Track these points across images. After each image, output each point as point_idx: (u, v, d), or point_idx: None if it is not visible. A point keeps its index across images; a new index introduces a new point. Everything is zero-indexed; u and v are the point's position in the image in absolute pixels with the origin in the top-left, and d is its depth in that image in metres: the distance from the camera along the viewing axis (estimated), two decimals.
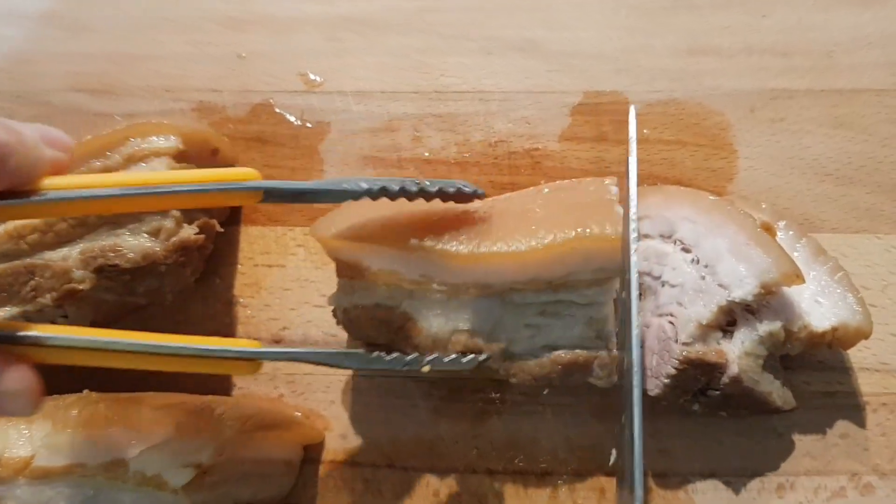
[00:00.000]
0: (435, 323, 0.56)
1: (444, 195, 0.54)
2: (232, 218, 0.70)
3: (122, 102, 0.73)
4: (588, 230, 0.53)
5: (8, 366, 0.45)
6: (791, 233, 0.63)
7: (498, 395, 0.65)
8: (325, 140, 0.72)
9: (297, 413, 0.65)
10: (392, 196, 0.53)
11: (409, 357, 0.53)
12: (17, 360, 0.46)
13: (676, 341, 0.59)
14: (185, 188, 0.48)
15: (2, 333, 0.46)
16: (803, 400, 0.61)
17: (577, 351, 0.57)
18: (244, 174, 0.50)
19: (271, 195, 0.50)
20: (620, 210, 0.57)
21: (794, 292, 0.59)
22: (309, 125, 0.72)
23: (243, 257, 0.70)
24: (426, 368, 0.53)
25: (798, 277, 0.57)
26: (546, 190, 0.63)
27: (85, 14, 0.77)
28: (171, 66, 0.74)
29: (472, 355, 0.55)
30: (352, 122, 0.72)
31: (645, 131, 0.70)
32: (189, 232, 0.61)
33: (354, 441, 0.64)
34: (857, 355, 0.63)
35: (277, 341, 0.67)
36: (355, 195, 0.52)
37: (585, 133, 0.70)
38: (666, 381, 0.59)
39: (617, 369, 0.57)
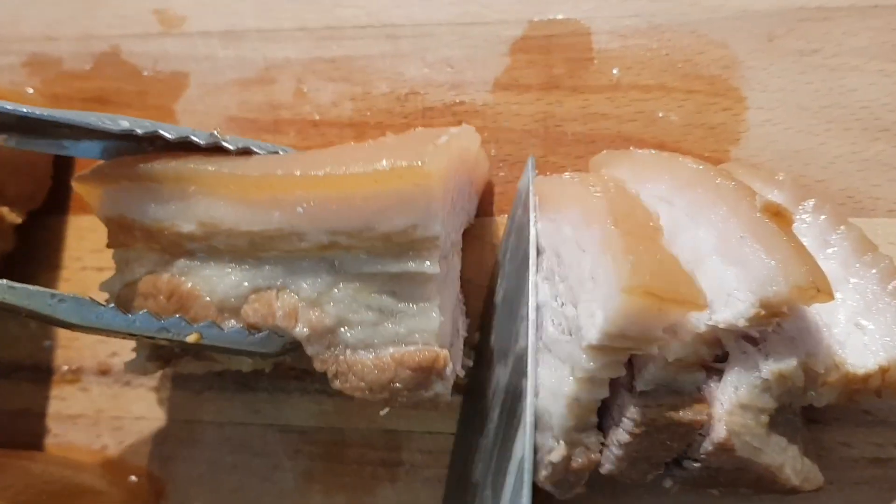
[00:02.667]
0: (220, 286, 0.45)
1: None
2: (55, 204, 0.58)
3: None
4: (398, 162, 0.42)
5: None
6: (822, 218, 0.46)
7: (393, 453, 0.49)
8: (181, 97, 0.59)
9: (131, 476, 0.53)
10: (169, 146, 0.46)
11: (167, 321, 0.43)
12: None
13: (631, 390, 0.40)
14: None
15: None
16: (838, 471, 0.47)
17: (435, 349, 0.42)
18: None
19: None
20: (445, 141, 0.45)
21: (821, 313, 0.42)
22: (162, 77, 0.58)
23: (68, 257, 0.58)
24: (193, 337, 0.44)
25: (821, 292, 0.38)
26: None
27: None
28: None
29: (266, 333, 0.45)
30: (217, 72, 0.59)
31: (614, 72, 0.53)
32: None
33: None
34: None
35: (104, 372, 0.54)
36: (109, 134, 0.45)
37: (529, 79, 0.55)
38: (618, 452, 0.41)
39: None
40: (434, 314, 0.42)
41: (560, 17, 0.54)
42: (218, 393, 0.54)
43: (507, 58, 0.54)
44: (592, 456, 0.41)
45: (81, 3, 0.61)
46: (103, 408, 0.54)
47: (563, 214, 0.44)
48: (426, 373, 0.41)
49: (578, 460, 0.41)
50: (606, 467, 0.42)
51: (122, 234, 0.47)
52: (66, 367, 0.56)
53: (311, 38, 0.57)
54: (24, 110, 0.43)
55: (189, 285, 0.45)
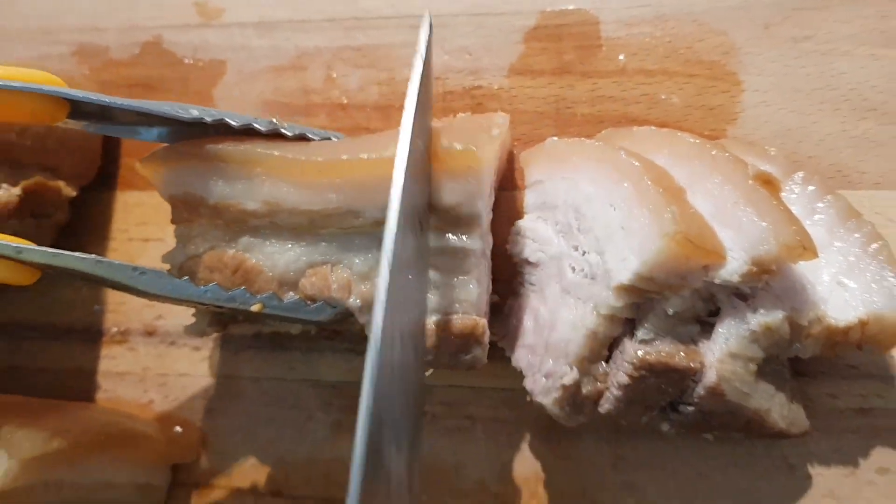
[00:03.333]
0: (281, 261, 0.49)
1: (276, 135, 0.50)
2: (104, 181, 0.62)
3: None
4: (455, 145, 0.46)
5: None
6: (811, 188, 0.49)
7: None
8: (219, 83, 0.62)
9: (176, 427, 0.57)
10: (232, 132, 0.49)
11: (233, 292, 0.47)
12: None
13: (633, 337, 0.44)
14: None
15: None
16: (824, 419, 0.50)
17: (474, 317, 0.46)
18: (48, 77, 0.48)
19: (79, 108, 0.47)
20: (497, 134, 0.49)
21: (806, 271, 0.45)
22: (202, 65, 0.62)
23: (116, 229, 0.62)
24: (257, 307, 0.47)
25: (807, 250, 0.42)
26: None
27: None
28: (48, 5, 0.66)
29: (320, 303, 0.48)
30: (252, 60, 0.62)
31: (621, 58, 0.56)
32: (10, 193, 0.50)
33: (235, 461, 0.57)
34: None
35: (150, 333, 0.58)
36: (178, 121, 0.48)
37: (542, 65, 0.58)
38: (617, 393, 0.45)
39: None
40: (472, 286, 0.46)
41: (571, 7, 0.58)
42: (255, 352, 0.57)
43: (521, 45, 0.58)
44: (599, 385, 0.45)
45: None
46: (149, 366, 0.58)
47: (582, 174, 0.47)
48: (466, 339, 0.45)
49: (587, 388, 0.45)
50: (606, 407, 0.46)
51: (187, 211, 0.50)
52: (114, 329, 0.59)
53: (338, 29, 0.61)
54: (107, 100, 0.47)
55: (253, 261, 0.49)
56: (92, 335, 0.60)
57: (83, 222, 0.60)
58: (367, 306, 0.47)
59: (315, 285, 0.48)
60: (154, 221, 0.59)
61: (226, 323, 0.51)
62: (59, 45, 0.65)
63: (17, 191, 0.50)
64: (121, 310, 0.59)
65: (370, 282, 0.47)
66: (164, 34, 0.63)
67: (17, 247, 0.45)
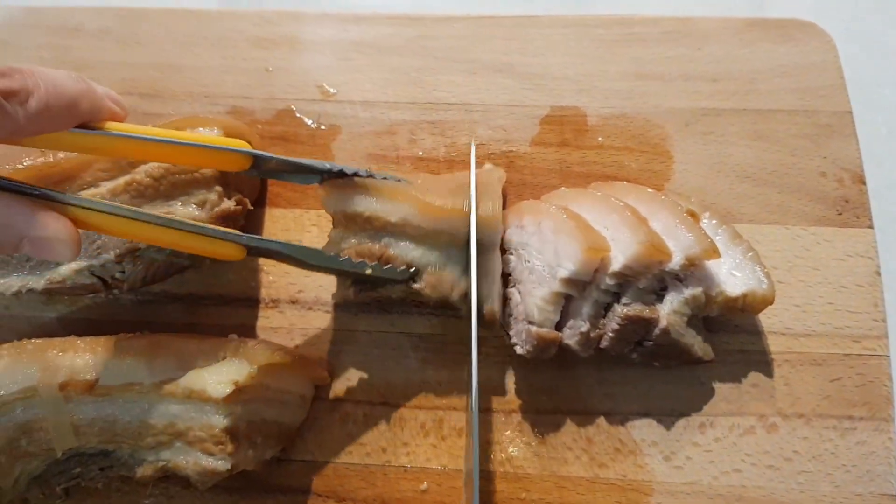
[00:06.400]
0: (410, 255, 0.70)
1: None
2: (259, 200, 0.81)
3: (167, 105, 0.86)
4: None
5: (51, 217, 0.57)
6: (714, 221, 0.76)
7: None
8: (336, 140, 0.84)
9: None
10: (343, 176, 0.70)
11: (358, 261, 0.68)
12: (61, 217, 0.58)
13: (619, 303, 0.72)
14: (197, 144, 0.64)
15: (44, 192, 0.59)
16: (722, 356, 0.73)
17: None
18: (239, 142, 0.66)
19: (258, 162, 0.66)
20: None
21: (713, 265, 0.71)
22: (323, 128, 0.84)
23: (267, 233, 0.81)
24: (369, 271, 0.68)
25: (715, 252, 0.70)
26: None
27: (136, 30, 0.91)
28: (208, 76, 0.87)
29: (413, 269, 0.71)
30: (359, 126, 0.84)
31: (600, 139, 0.84)
32: (229, 205, 0.74)
33: (355, 383, 0.75)
34: (766, 321, 0.75)
35: (294, 301, 0.80)
36: (321, 171, 0.69)
37: (551, 139, 0.83)
38: (611, 334, 0.72)
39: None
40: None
41: (569, 105, 0.84)
42: (367, 314, 0.77)
43: (538, 126, 0.82)
44: (600, 331, 0.70)
45: (266, 75, 0.86)
46: (295, 323, 0.76)
47: (583, 211, 0.76)
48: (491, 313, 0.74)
49: (593, 333, 0.70)
50: (604, 343, 0.71)
51: (346, 220, 0.70)
52: (268, 298, 0.78)
53: (419, 108, 0.83)
54: (279, 157, 0.66)
55: (391, 251, 0.69)
56: (251, 303, 0.77)
57: (248, 227, 0.78)
58: (461, 298, 0.70)
59: (429, 282, 0.70)
60: (293, 228, 0.80)
61: (357, 291, 0.73)
62: (216, 106, 0.85)
63: (232, 203, 0.74)
64: (272, 285, 0.77)
65: (465, 279, 0.70)
66: (293, 105, 0.85)
67: (237, 234, 0.64)
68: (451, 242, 0.71)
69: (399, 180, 0.71)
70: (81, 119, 0.59)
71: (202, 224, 0.64)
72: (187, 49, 0.89)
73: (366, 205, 0.71)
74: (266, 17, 0.90)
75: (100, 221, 0.60)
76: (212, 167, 0.71)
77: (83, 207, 0.59)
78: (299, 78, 0.87)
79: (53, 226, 0.56)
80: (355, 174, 0.70)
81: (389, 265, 0.69)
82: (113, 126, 0.61)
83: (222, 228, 0.65)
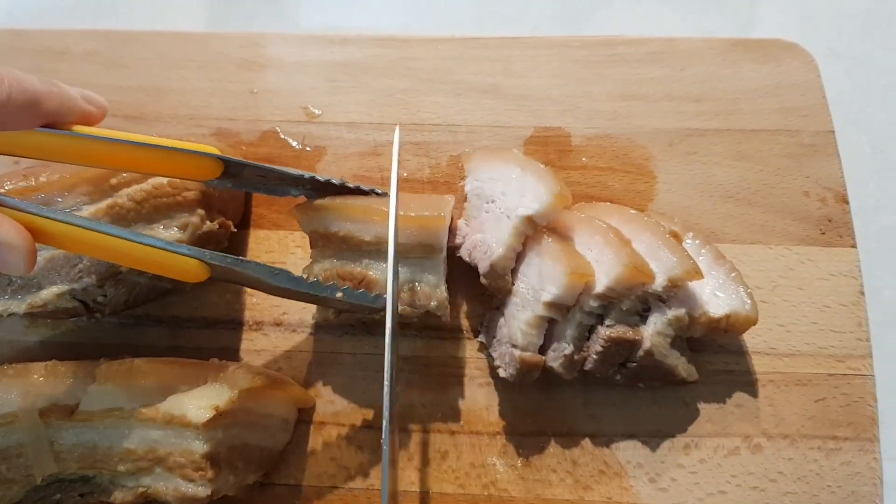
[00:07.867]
0: (384, 276, 0.70)
1: (359, 191, 0.74)
2: (243, 222, 0.83)
3: (152, 127, 0.88)
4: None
5: (6, 222, 0.54)
6: (697, 242, 0.77)
7: (459, 369, 0.78)
8: (321, 161, 0.86)
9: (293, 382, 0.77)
10: (318, 185, 0.72)
11: (328, 284, 0.67)
12: (16, 222, 0.54)
13: (603, 325, 0.73)
14: (164, 147, 0.63)
15: (5, 199, 0.57)
16: (706, 376, 0.75)
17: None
18: (208, 147, 0.65)
19: (230, 169, 0.67)
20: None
21: (697, 286, 0.72)
22: (308, 149, 0.87)
23: (251, 255, 0.82)
24: (340, 294, 0.66)
25: (698, 273, 0.71)
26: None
27: (123, 53, 0.92)
28: (195, 98, 0.89)
29: (377, 294, 0.69)
30: (344, 147, 0.86)
31: (584, 159, 0.85)
32: (212, 227, 0.74)
33: (339, 406, 0.76)
34: (750, 341, 0.76)
35: (278, 324, 0.80)
36: (293, 178, 0.70)
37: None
38: (595, 356, 0.72)
39: None
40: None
41: (553, 126, 0.85)
42: (352, 336, 0.77)
43: (523, 147, 0.84)
44: (584, 353, 0.70)
45: (252, 97, 0.88)
46: (279, 346, 0.77)
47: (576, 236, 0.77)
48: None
49: (577, 356, 0.70)
50: (588, 365, 0.71)
51: (322, 240, 0.71)
52: (251, 321, 0.78)
53: (404, 130, 0.84)
54: (250, 163, 0.66)
55: (372, 275, 0.70)
56: (234, 325, 0.78)
57: (231, 249, 0.78)
58: (443, 307, 0.70)
59: (406, 301, 0.70)
60: (277, 250, 0.81)
61: (339, 312, 0.74)
62: (201, 128, 0.86)
63: (215, 225, 0.75)
64: (256, 307, 0.78)
65: (440, 290, 0.71)
66: (278, 127, 0.87)
67: (200, 251, 0.62)
68: (424, 254, 0.72)
69: (379, 193, 0.74)
70: (47, 118, 0.58)
71: (159, 238, 0.63)
72: (174, 71, 0.90)
73: (338, 225, 0.72)
74: (252, 40, 0.92)
75: (56, 232, 0.59)
76: (183, 176, 0.69)
77: (41, 216, 0.58)
78: (284, 99, 0.88)
79: (4, 229, 0.53)
80: (328, 182, 0.71)
81: (362, 290, 0.68)
82: (80, 128, 0.60)
83: (186, 245, 0.63)
